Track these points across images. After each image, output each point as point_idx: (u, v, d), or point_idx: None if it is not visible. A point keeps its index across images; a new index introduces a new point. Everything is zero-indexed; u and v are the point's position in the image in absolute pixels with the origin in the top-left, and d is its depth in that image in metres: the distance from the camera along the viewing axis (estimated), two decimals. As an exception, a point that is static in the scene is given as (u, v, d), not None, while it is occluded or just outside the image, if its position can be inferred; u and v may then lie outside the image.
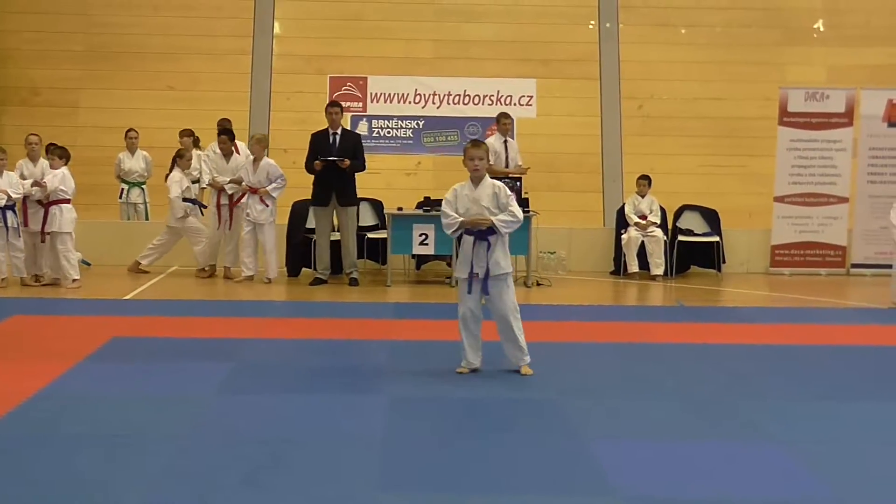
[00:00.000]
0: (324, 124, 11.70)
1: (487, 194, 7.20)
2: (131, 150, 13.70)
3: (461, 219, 7.20)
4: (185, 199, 12.26)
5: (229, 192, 12.09)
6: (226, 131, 12.45)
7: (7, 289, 11.04)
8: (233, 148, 12.37)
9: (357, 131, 13.30)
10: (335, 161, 11.41)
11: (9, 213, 11.22)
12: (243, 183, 11.87)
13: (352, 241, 11.86)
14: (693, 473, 5.25)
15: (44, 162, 11.63)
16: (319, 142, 11.68)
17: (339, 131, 11.73)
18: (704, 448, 5.70)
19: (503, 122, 12.68)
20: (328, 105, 12.09)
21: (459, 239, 7.36)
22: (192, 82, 14.72)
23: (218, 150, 12.35)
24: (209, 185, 12.39)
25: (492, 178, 7.44)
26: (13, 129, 13.36)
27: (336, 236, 11.91)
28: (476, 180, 7.21)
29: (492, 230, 7.18)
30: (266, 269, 11.96)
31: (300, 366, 7.72)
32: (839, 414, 6.51)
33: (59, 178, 11.28)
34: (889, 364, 8.14)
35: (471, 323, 7.29)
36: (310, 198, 11.91)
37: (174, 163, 12.43)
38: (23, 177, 11.38)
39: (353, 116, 14.48)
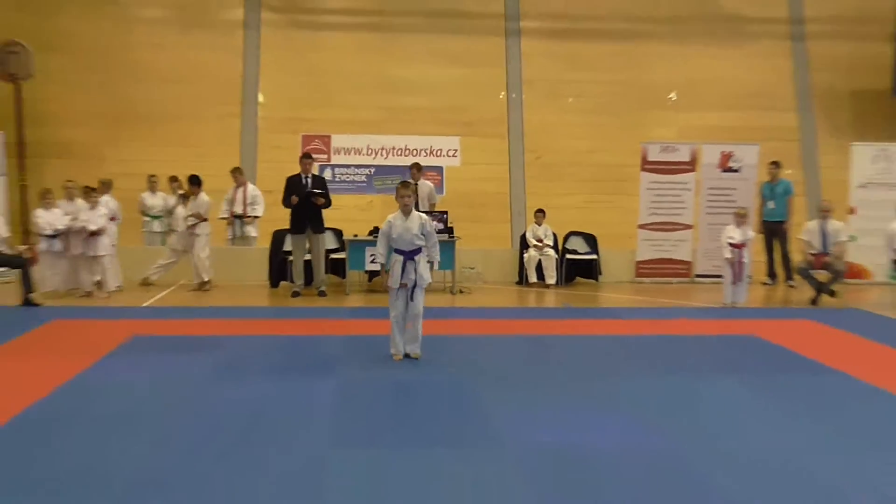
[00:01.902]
0: (297, 170, 11.80)
1: (416, 224, 7.29)
2: (152, 190, 13.66)
3: (383, 261, 7.32)
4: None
5: (188, 223, 12.20)
6: (188, 178, 12.42)
7: (52, 299, 11.00)
8: (196, 190, 12.26)
9: (322, 175, 13.38)
10: (312, 196, 11.43)
11: (55, 241, 11.30)
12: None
13: (321, 261, 11.91)
14: (567, 431, 5.39)
15: (79, 201, 11.64)
16: (295, 183, 11.69)
17: (309, 176, 11.79)
18: (576, 412, 5.85)
19: (413, 171, 12.79)
20: (303, 157, 12.04)
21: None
22: (195, 139, 14.76)
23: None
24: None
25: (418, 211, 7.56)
26: (53, 176, 13.26)
27: (307, 257, 11.94)
28: (406, 212, 7.30)
29: (418, 251, 7.33)
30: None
31: (273, 356, 7.74)
32: (678, 385, 6.69)
33: (101, 215, 11.48)
34: (719, 348, 8.34)
35: (401, 321, 7.39)
36: (286, 228, 11.98)
37: (184, 199, 12.48)
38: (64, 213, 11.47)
39: (320, 165, 14.55)
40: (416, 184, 12.53)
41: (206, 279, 12.13)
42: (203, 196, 12.18)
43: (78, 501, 4.20)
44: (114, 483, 4.46)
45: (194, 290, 12.02)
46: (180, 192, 12.77)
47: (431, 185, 13.03)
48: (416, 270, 7.27)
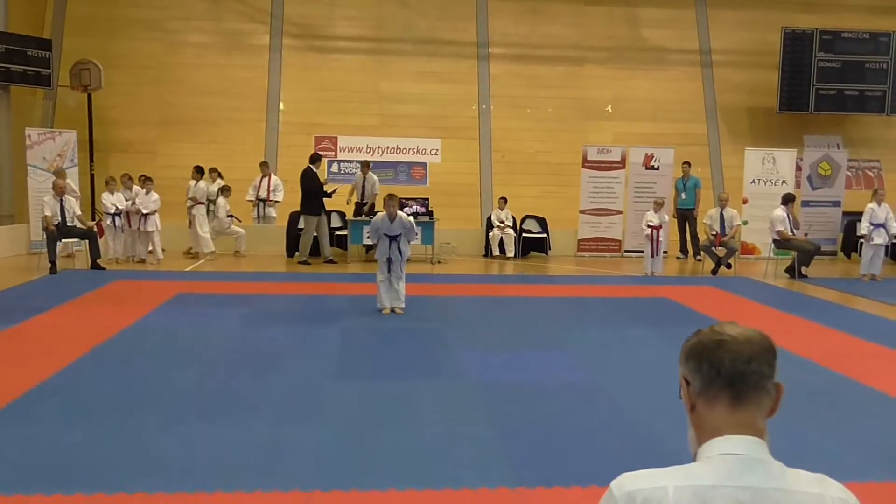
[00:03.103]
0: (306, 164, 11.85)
1: (398, 224, 7.39)
2: (196, 180, 13.51)
3: (374, 242, 7.57)
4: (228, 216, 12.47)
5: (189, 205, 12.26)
6: (194, 167, 12.46)
7: (113, 264, 10.95)
8: (202, 177, 12.39)
9: (331, 171, 13.33)
10: (329, 195, 11.77)
11: (117, 219, 11.33)
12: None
13: (326, 235, 11.96)
14: (516, 368, 5.50)
15: (136, 188, 11.61)
16: (313, 176, 11.71)
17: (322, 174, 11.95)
18: (524, 354, 5.96)
19: (364, 168, 12.63)
20: (318, 158, 12.01)
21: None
22: (228, 139, 14.57)
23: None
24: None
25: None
26: (116, 167, 13.13)
27: (315, 234, 11.88)
28: (391, 217, 7.40)
29: (400, 234, 7.39)
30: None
31: (290, 310, 7.80)
32: (608, 335, 6.81)
33: (154, 200, 11.35)
34: (641, 308, 8.43)
35: (386, 283, 7.49)
36: (299, 210, 11.99)
37: (224, 191, 12.46)
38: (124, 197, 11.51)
39: (328, 160, 14.50)
40: (365, 178, 12.48)
41: (208, 251, 11.83)
42: (201, 183, 12.13)
43: (142, 413, 4.25)
44: (166, 400, 4.52)
45: (190, 257, 11.91)
46: (221, 184, 12.67)
47: (376, 178, 12.82)
48: (398, 248, 7.38)
